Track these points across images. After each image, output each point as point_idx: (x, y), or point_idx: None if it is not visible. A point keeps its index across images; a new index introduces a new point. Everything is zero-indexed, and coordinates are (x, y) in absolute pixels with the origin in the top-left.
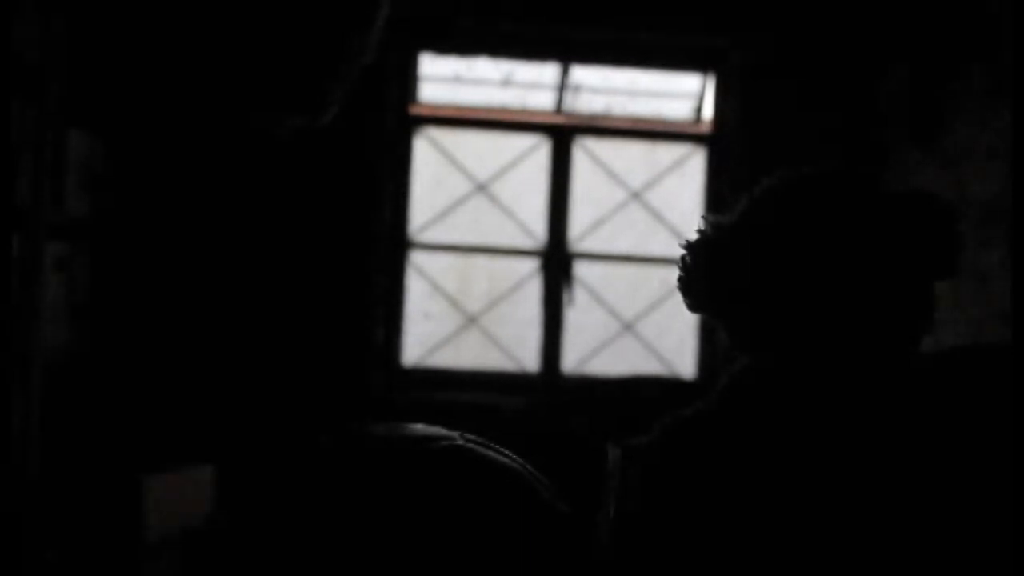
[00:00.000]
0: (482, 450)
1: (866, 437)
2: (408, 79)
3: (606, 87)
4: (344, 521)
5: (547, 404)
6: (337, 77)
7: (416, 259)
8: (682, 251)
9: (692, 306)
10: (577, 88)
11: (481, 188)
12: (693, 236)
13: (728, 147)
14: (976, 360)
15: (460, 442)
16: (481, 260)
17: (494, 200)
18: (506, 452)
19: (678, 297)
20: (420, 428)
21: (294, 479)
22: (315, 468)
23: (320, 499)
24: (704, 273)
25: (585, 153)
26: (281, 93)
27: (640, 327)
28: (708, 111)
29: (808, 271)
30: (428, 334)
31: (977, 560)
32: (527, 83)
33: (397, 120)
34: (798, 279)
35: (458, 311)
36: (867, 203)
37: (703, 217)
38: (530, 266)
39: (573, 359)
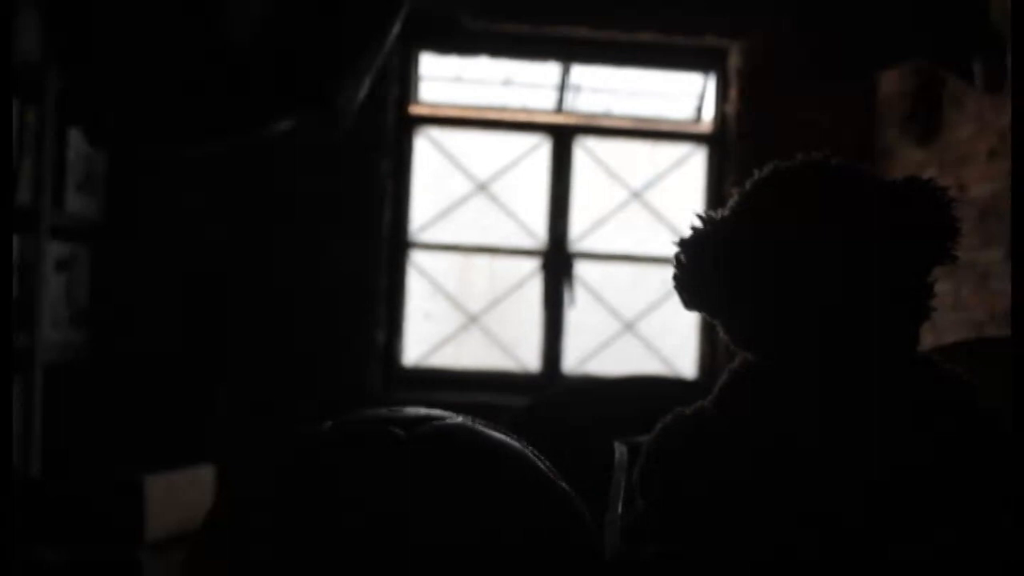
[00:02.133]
0: (483, 428)
1: (870, 432)
2: (408, 79)
3: (606, 87)
4: (342, 500)
5: (548, 403)
6: (355, 84)
7: (416, 259)
8: (676, 248)
9: (687, 304)
10: (577, 88)
11: (481, 188)
12: (687, 233)
13: (728, 147)
14: (978, 353)
15: (460, 420)
16: (481, 260)
17: (494, 200)
18: (509, 433)
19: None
20: (422, 410)
21: (293, 464)
22: (313, 451)
23: (320, 480)
24: (698, 270)
25: (585, 153)
26: (302, 101)
27: (640, 327)
28: (708, 111)
29: (804, 261)
30: (429, 334)
31: (976, 561)
32: (527, 83)
33: (397, 120)
34: (793, 270)
35: (459, 311)
36: (861, 190)
37: (696, 213)
38: (531, 266)
39: (574, 359)
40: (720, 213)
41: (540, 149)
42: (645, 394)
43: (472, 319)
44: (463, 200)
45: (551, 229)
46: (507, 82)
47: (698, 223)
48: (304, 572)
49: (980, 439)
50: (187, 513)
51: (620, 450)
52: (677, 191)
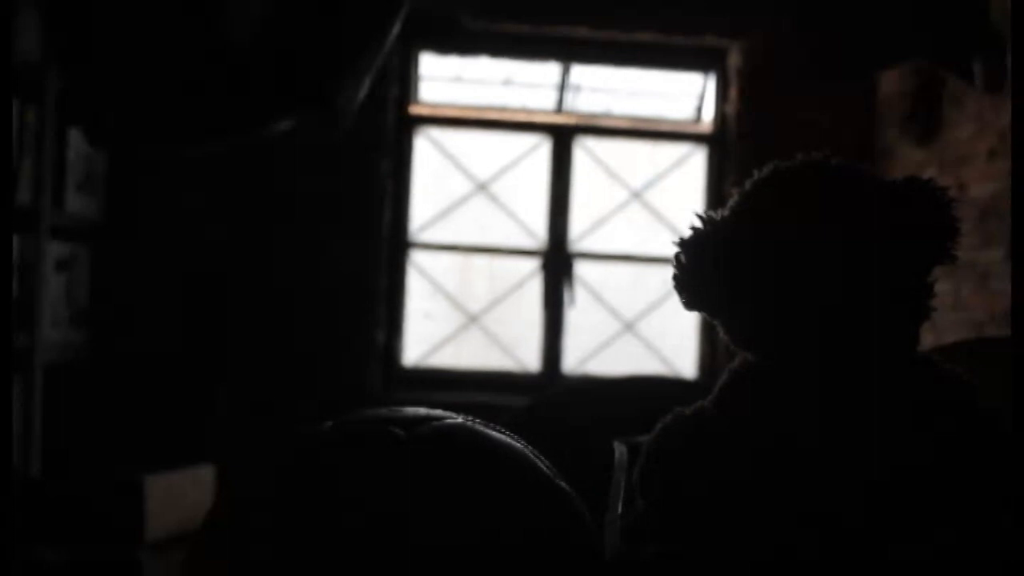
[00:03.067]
0: (483, 429)
1: (870, 432)
2: (408, 79)
3: (606, 87)
4: (342, 500)
5: (548, 403)
6: (355, 84)
7: (416, 259)
8: (676, 248)
9: (687, 304)
10: (577, 88)
11: (481, 188)
12: (687, 233)
13: (728, 147)
14: (978, 353)
15: (460, 420)
16: (481, 260)
17: (494, 200)
18: (509, 433)
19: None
20: (422, 410)
21: (293, 464)
22: (313, 451)
23: (320, 480)
24: (698, 270)
25: (585, 153)
26: (302, 101)
27: (640, 327)
28: (708, 111)
29: (804, 261)
30: (428, 334)
31: (976, 561)
32: (527, 83)
33: (397, 120)
34: (793, 270)
35: (458, 311)
36: (861, 190)
37: (696, 213)
38: (530, 266)
39: (574, 359)
40: (720, 213)
41: (540, 149)
42: (645, 394)
43: (472, 319)
44: (463, 200)
45: (551, 229)
46: (507, 82)
47: (698, 223)
48: (304, 572)
49: (980, 439)
50: (187, 513)
51: (620, 450)
52: (677, 191)
